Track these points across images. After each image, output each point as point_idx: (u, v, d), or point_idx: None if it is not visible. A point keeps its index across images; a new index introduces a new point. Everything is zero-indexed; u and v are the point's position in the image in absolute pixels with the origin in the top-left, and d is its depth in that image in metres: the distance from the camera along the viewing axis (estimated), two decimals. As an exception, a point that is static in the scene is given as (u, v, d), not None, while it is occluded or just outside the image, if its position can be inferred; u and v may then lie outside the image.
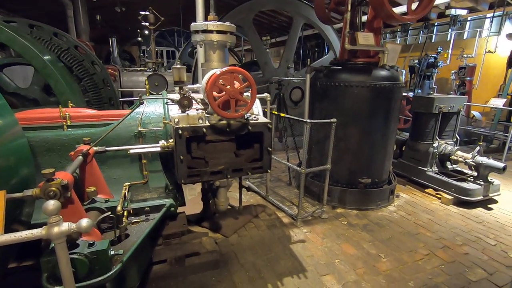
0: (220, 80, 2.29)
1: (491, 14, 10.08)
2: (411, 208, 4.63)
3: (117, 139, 2.50)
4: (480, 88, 9.61)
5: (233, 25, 2.60)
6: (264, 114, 3.65)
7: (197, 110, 2.42)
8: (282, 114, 4.12)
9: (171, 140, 2.43)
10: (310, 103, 4.63)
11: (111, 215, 2.02)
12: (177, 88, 2.46)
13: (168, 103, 2.40)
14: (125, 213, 2.29)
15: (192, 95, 2.55)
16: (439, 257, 3.43)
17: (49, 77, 3.47)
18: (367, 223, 4.15)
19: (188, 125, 2.32)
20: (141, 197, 2.57)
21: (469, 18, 10.84)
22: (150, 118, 2.61)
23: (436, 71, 10.29)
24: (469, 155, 4.92)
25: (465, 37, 11.27)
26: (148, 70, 9.29)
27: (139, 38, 11.52)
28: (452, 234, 3.93)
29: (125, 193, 2.41)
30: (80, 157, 2.10)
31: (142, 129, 2.53)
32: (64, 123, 2.47)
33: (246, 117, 2.52)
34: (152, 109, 2.67)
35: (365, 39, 4.14)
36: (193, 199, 4.65)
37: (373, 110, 4.32)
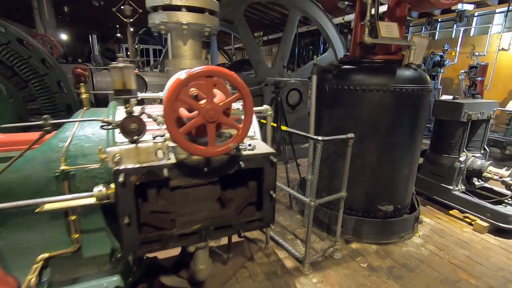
0: (193, 89, 1.36)
1: (500, 9, 9.37)
2: (440, 240, 3.77)
3: (24, 185, 1.53)
4: (490, 89, 8.89)
5: (215, 0, 1.66)
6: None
7: (154, 137, 1.48)
8: (283, 128, 3.20)
9: (113, 186, 1.49)
10: (316, 112, 3.73)
11: None
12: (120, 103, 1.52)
13: (103, 127, 1.46)
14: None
15: (151, 110, 1.61)
16: (496, 320, 2.57)
17: None
18: (392, 264, 3.27)
19: (138, 165, 1.38)
20: (68, 277, 1.61)
21: (476, 14, 10.12)
22: (83, 148, 1.64)
23: (442, 71, 9.56)
24: (506, 172, 4.09)
25: (471, 34, 10.55)
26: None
27: (118, 35, 10.42)
28: (501, 279, 3.07)
29: (35, 276, 1.45)
30: None
31: (67, 167, 1.56)
32: None
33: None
34: (88, 131, 1.70)
35: (388, 30, 3.25)
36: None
37: (396, 120, 3.43)
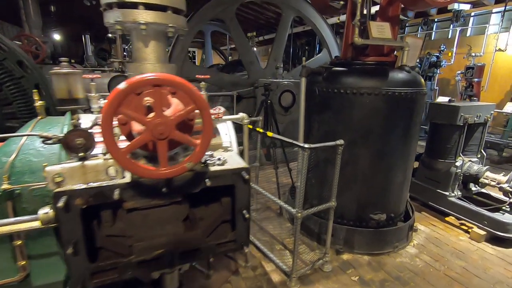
0: (147, 98, 1.18)
1: (496, 9, 9.25)
2: (435, 250, 3.61)
3: (-41, 207, 1.35)
4: (487, 90, 8.75)
5: (179, -4, 1.48)
6: (238, 131, 2.51)
7: (105, 153, 1.30)
8: (269, 134, 3.02)
9: (61, 208, 1.30)
10: (306, 116, 3.56)
11: None
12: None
13: (44, 142, 1.27)
14: None
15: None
16: None
17: None
18: (385, 277, 3.10)
19: (84, 186, 1.20)
20: (12, 309, 1.43)
21: (472, 14, 9.99)
22: (31, 164, 1.46)
23: (438, 72, 9.42)
24: (503, 178, 3.94)
25: (468, 34, 10.42)
26: (116, 70, 8.04)
27: (110, 35, 10.20)
28: (499, 293, 2.92)
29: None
30: None
31: (10, 185, 1.38)
32: None
33: (203, 161, 1.42)
34: (38, 144, 1.52)
35: (380, 31, 3.08)
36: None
37: (389, 124, 3.27)
